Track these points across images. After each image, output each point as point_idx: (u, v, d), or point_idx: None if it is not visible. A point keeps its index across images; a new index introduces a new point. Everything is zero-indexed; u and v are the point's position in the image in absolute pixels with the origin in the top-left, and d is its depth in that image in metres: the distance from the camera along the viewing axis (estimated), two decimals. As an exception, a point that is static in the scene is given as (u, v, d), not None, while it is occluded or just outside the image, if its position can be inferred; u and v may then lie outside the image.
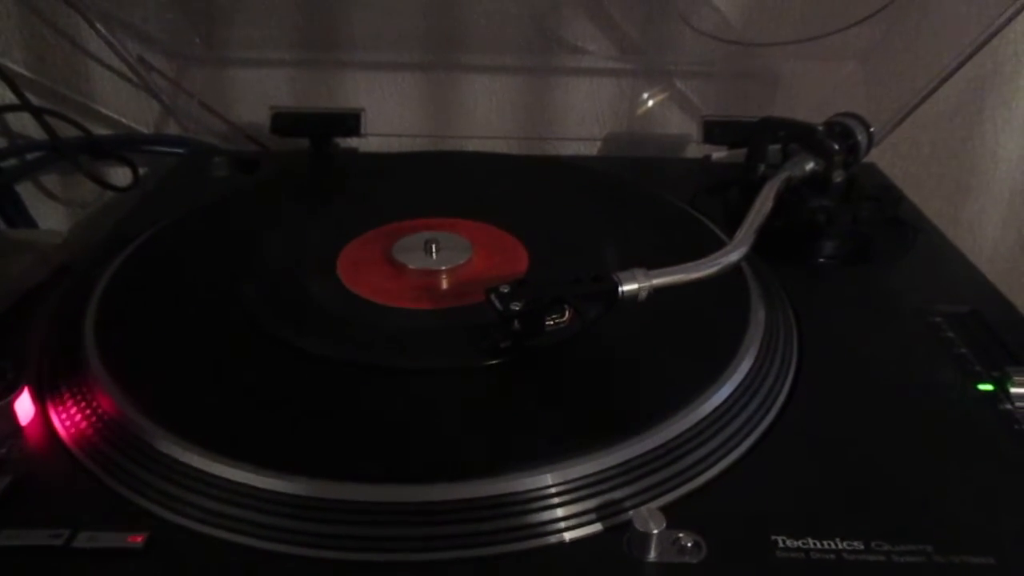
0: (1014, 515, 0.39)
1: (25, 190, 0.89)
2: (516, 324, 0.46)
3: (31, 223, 0.87)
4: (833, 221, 0.61)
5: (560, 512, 0.38)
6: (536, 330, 0.46)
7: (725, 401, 0.44)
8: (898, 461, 0.42)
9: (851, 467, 0.42)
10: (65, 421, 0.44)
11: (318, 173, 0.77)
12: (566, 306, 0.46)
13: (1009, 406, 0.46)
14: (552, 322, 0.46)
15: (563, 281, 0.47)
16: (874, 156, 0.72)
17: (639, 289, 0.46)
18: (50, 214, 0.92)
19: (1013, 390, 0.47)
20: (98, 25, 0.79)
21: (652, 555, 0.36)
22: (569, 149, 0.89)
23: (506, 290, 0.46)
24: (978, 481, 0.41)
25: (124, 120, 0.88)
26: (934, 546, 0.37)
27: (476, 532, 0.37)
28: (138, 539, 0.36)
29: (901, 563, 0.36)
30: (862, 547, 0.37)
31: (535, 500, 0.38)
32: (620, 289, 0.45)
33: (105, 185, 0.83)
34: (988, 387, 0.48)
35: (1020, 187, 0.91)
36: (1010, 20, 0.71)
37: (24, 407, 0.44)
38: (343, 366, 0.47)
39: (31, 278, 0.58)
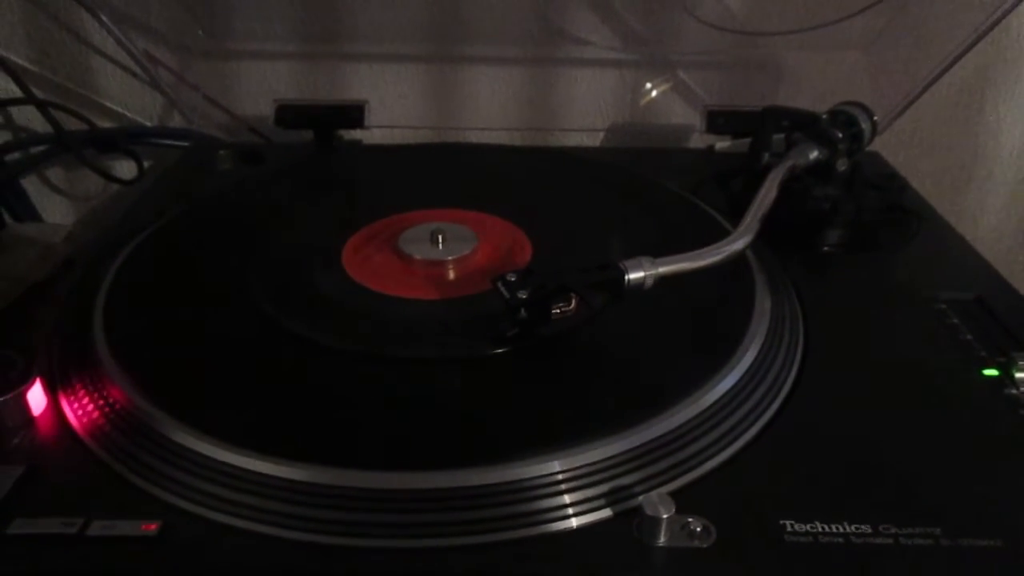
0: (1020, 498, 0.39)
1: (30, 184, 0.89)
2: (523, 312, 0.46)
3: (36, 217, 0.87)
4: (837, 209, 0.61)
5: (569, 498, 0.38)
6: (543, 318, 0.46)
7: (733, 387, 0.44)
8: (904, 446, 0.43)
9: (858, 452, 0.42)
10: (77, 411, 0.44)
11: (322, 165, 0.77)
12: (572, 294, 0.46)
13: (1014, 391, 0.46)
14: (558, 310, 0.47)
15: (569, 269, 0.47)
16: (877, 144, 0.72)
17: (645, 277, 0.46)
18: (55, 208, 0.93)
19: (1018, 375, 0.47)
20: (103, 18, 0.79)
21: (662, 540, 0.36)
22: (572, 140, 0.89)
23: (513, 278, 0.47)
24: (984, 465, 0.41)
25: (128, 113, 0.88)
26: (941, 529, 0.37)
27: (486, 518, 0.38)
28: (152, 527, 0.37)
29: (909, 546, 0.36)
30: (870, 530, 0.37)
31: (545, 486, 0.39)
32: (626, 277, 0.45)
33: (110, 178, 0.83)
34: (993, 372, 0.48)
35: (1021, 175, 0.91)
36: (1013, 8, 0.71)
37: (36, 398, 0.44)
38: (350, 356, 0.47)
39: (37, 272, 0.58)
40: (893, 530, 0.37)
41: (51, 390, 0.46)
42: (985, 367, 0.48)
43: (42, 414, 0.44)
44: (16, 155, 0.85)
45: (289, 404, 0.44)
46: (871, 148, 0.68)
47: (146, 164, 0.85)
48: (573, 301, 0.47)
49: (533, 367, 0.47)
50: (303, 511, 0.38)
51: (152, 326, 0.50)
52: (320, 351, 0.47)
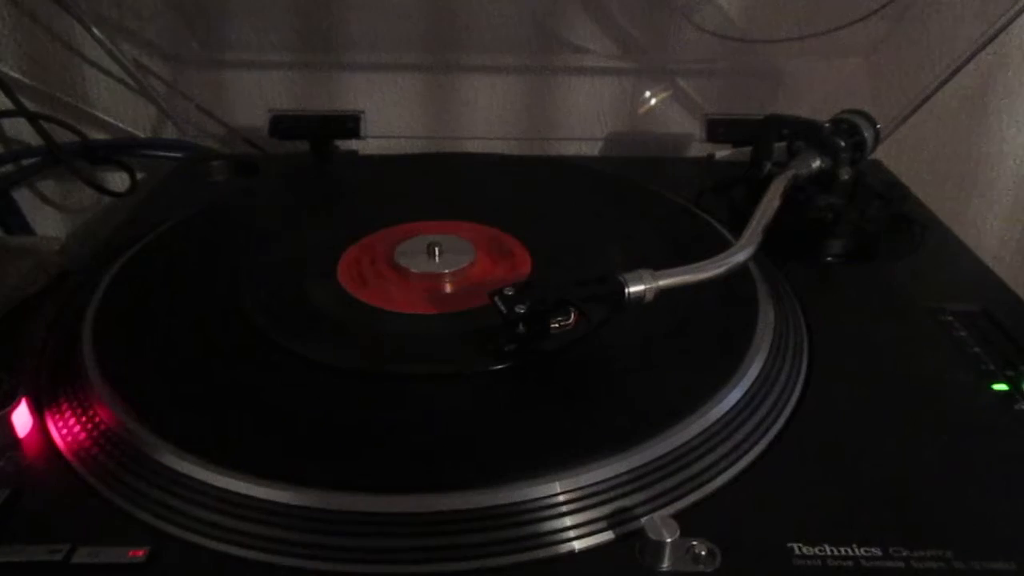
0: (1034, 518, 0.38)
1: (22, 196, 0.88)
2: (521, 327, 0.45)
3: (28, 229, 0.86)
4: (840, 219, 0.60)
5: (570, 521, 0.37)
6: (541, 333, 0.46)
7: (736, 404, 0.43)
8: (914, 464, 0.42)
9: (866, 471, 0.41)
10: (64, 433, 0.43)
11: (318, 176, 0.76)
12: (572, 308, 0.46)
13: (1024, 406, 0.46)
14: (557, 324, 0.46)
15: (568, 283, 0.46)
16: (879, 153, 0.72)
17: (645, 290, 0.45)
18: (48, 220, 0.92)
19: (1028, 389, 0.46)
20: (94, 29, 0.78)
21: (666, 564, 0.35)
22: (571, 149, 0.89)
23: (510, 292, 0.46)
24: (996, 483, 0.40)
25: (121, 125, 0.87)
26: (953, 551, 0.36)
27: (485, 542, 0.37)
28: (139, 553, 0.36)
29: (920, 569, 0.35)
30: (880, 553, 0.36)
31: (544, 509, 0.38)
32: (626, 290, 0.45)
33: (102, 190, 0.82)
34: (1003, 387, 0.47)
35: (1025, 183, 0.90)
36: (1016, 16, 0.70)
37: (22, 419, 0.43)
38: (345, 373, 0.46)
39: (29, 285, 0.58)
40: (904, 553, 0.36)
41: (38, 410, 0.45)
42: (994, 381, 0.47)
43: (28, 435, 0.43)
44: (8, 167, 0.84)
45: (282, 425, 0.43)
46: (873, 156, 0.68)
47: (139, 176, 0.84)
48: (572, 315, 0.46)
49: (532, 383, 0.46)
50: (295, 536, 0.37)
51: (142, 344, 0.49)
52: (314, 368, 0.46)
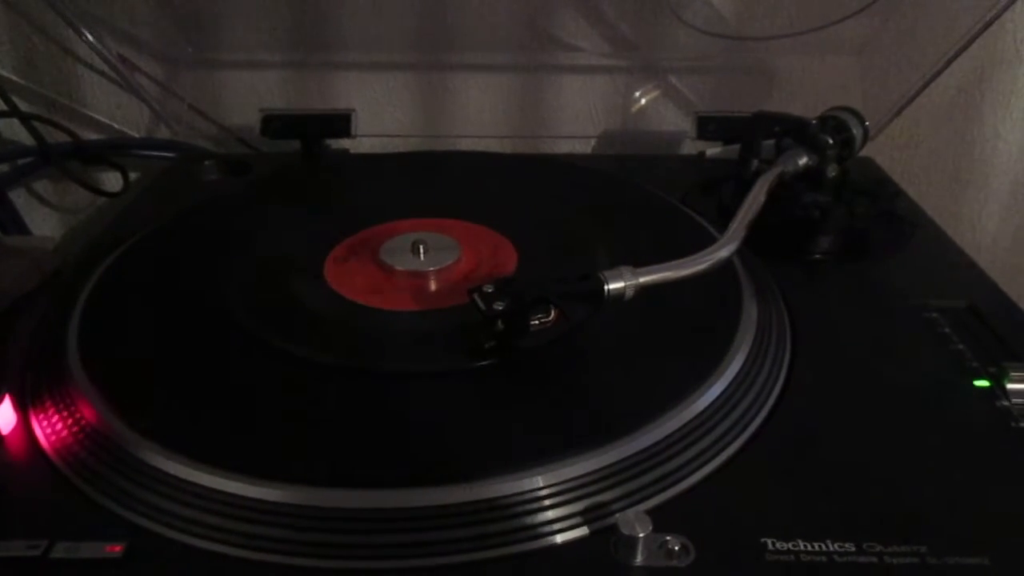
0: (1009, 514, 0.38)
1: (17, 196, 0.88)
2: (500, 324, 0.45)
3: (24, 229, 0.86)
4: (827, 216, 0.60)
5: (547, 516, 0.37)
6: (521, 330, 0.46)
7: (715, 401, 0.43)
8: (892, 460, 0.41)
9: (843, 466, 0.41)
10: (47, 430, 0.43)
11: (307, 175, 0.76)
12: (551, 305, 0.46)
13: (1006, 403, 0.45)
14: (537, 322, 0.46)
15: (548, 280, 0.46)
16: (871, 150, 0.71)
17: (625, 287, 0.45)
18: (43, 220, 0.92)
19: (1010, 386, 0.46)
20: (84, 31, 0.78)
21: (639, 559, 0.35)
22: (562, 147, 0.88)
23: (490, 290, 0.46)
24: (973, 479, 0.40)
25: (115, 125, 0.87)
26: (928, 547, 0.36)
27: (462, 537, 0.37)
28: (116, 549, 0.36)
29: (894, 564, 0.35)
30: (853, 548, 0.36)
31: (520, 504, 0.38)
32: (606, 288, 0.45)
33: (96, 191, 0.83)
34: (984, 383, 0.47)
35: (1019, 180, 0.90)
36: (1005, 9, 0.70)
37: (5, 416, 0.43)
38: (327, 370, 0.46)
39: (24, 285, 0.58)
40: (878, 548, 0.36)
41: (22, 407, 0.45)
42: (977, 378, 0.47)
43: (11, 432, 0.43)
44: (3, 168, 0.85)
45: (262, 422, 0.43)
46: (865, 153, 0.67)
47: (132, 176, 0.85)
48: (552, 312, 0.46)
49: (511, 380, 0.46)
50: (274, 532, 0.37)
51: (127, 343, 0.50)
52: (297, 365, 0.46)
